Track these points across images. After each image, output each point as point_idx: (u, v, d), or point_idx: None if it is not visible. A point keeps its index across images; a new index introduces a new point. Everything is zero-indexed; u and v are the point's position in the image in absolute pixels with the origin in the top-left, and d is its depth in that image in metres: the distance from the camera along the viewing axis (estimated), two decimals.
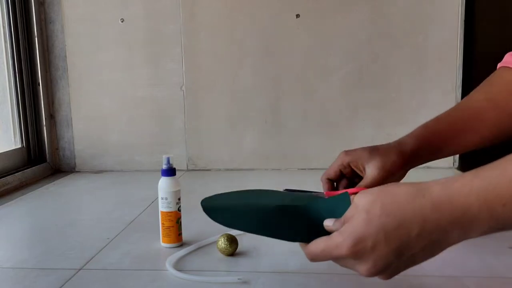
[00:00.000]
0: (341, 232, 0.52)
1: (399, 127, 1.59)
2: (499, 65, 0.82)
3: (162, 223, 0.87)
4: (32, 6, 1.57)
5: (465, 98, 0.82)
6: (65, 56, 1.63)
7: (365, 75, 1.54)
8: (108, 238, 0.95)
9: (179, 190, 0.87)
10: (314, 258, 0.55)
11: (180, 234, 0.88)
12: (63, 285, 0.74)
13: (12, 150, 1.53)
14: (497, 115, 0.77)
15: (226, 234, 0.84)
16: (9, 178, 1.42)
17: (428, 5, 1.50)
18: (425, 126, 0.80)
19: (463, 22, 1.49)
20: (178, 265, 0.80)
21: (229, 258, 0.83)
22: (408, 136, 0.79)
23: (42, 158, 1.64)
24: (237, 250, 0.84)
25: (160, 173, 0.87)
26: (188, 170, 1.64)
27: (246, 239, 0.90)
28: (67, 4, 1.60)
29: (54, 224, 1.08)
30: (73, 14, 1.61)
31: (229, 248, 0.83)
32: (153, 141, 1.64)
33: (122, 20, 1.59)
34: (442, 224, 0.48)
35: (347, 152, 0.80)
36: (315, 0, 1.54)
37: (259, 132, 1.60)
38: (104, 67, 1.62)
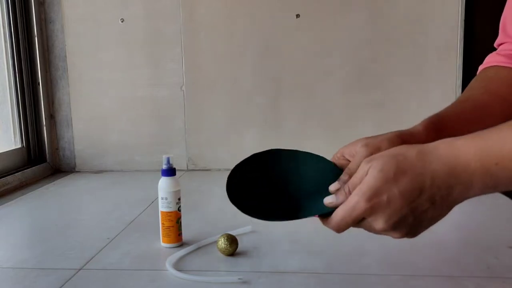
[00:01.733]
0: (356, 193, 0.54)
1: (399, 127, 1.59)
2: (481, 67, 0.81)
3: (162, 223, 0.87)
4: (32, 6, 1.57)
5: (464, 95, 0.80)
6: (65, 56, 1.63)
7: (365, 75, 1.54)
8: (108, 238, 0.95)
9: (179, 190, 0.87)
10: (339, 228, 0.57)
11: (180, 234, 0.88)
12: (63, 285, 0.74)
13: (12, 150, 1.53)
14: (502, 108, 0.76)
15: (226, 234, 0.84)
16: (9, 178, 1.42)
17: (428, 5, 1.50)
18: (437, 116, 0.78)
19: (463, 22, 1.49)
20: (178, 265, 0.80)
21: (229, 258, 0.83)
22: (420, 126, 0.75)
23: (42, 158, 1.64)
24: (237, 250, 0.84)
25: (160, 173, 0.87)
26: (188, 170, 1.64)
27: (246, 239, 0.90)
28: (67, 4, 1.60)
29: (54, 224, 1.08)
30: (73, 14, 1.61)
31: (229, 248, 0.83)
32: (153, 141, 1.64)
33: (122, 20, 1.59)
34: (447, 179, 0.52)
35: (344, 146, 0.74)
36: (315, 0, 1.54)
37: (259, 132, 1.60)
38: (104, 67, 1.62)
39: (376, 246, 0.87)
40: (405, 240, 0.91)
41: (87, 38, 1.61)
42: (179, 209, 0.87)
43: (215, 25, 1.57)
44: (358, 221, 0.56)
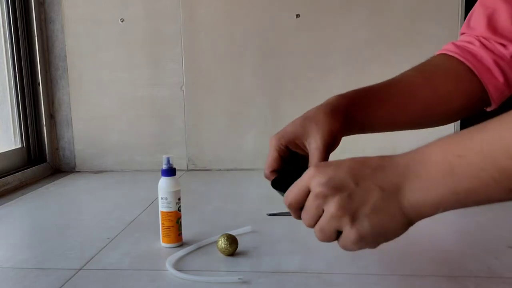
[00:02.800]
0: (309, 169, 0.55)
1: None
2: (436, 52, 0.80)
3: (162, 223, 0.87)
4: (32, 6, 1.57)
5: (398, 75, 0.78)
6: (65, 56, 1.63)
7: (365, 75, 1.54)
8: (108, 238, 0.95)
9: (179, 190, 0.87)
10: (290, 199, 0.56)
11: (180, 234, 0.88)
12: (63, 285, 0.74)
13: (12, 150, 1.53)
14: (429, 95, 0.75)
15: (226, 234, 0.84)
16: (9, 178, 1.42)
17: (428, 5, 1.51)
18: (356, 91, 0.76)
19: (463, 22, 1.49)
20: (178, 265, 0.80)
21: (229, 258, 0.83)
22: (335, 96, 0.75)
23: (42, 158, 1.64)
24: (237, 250, 0.84)
25: (160, 173, 0.87)
26: (188, 170, 1.64)
27: (246, 239, 0.90)
28: (67, 4, 1.60)
29: (54, 224, 1.08)
30: (73, 14, 1.61)
31: (229, 248, 0.83)
32: (153, 141, 1.64)
33: (122, 20, 1.59)
34: (402, 169, 0.49)
35: (277, 136, 0.72)
36: (315, 0, 1.54)
37: (259, 132, 1.60)
38: (104, 67, 1.62)
39: None
40: (405, 240, 0.92)
41: (87, 38, 1.61)
42: (179, 209, 0.87)
43: (215, 25, 1.57)
44: (305, 191, 0.54)
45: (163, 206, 0.87)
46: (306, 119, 0.72)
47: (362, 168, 0.51)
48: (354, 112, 0.72)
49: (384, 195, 0.49)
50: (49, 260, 0.85)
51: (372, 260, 0.81)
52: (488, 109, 0.78)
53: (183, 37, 1.58)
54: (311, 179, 0.53)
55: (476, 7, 0.76)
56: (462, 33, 0.80)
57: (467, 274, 0.75)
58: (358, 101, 0.74)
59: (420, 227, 1.03)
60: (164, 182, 0.86)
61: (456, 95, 0.75)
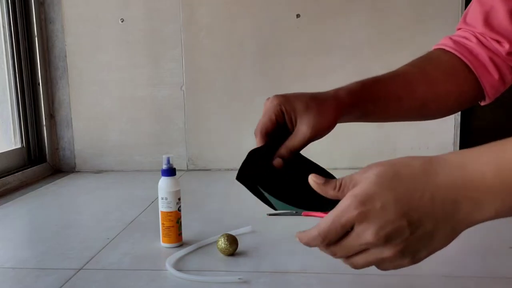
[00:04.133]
0: (349, 195, 0.48)
1: (399, 127, 1.59)
2: (434, 46, 0.80)
3: (162, 223, 0.87)
4: (32, 6, 1.57)
5: (398, 69, 0.79)
6: (65, 56, 1.63)
7: (365, 75, 1.53)
8: (108, 238, 0.95)
9: (179, 190, 0.87)
10: (326, 235, 0.50)
11: (180, 234, 0.88)
12: (63, 285, 0.74)
13: (12, 150, 1.53)
14: (427, 91, 0.75)
15: (226, 234, 0.84)
16: (9, 178, 1.42)
17: (428, 5, 1.50)
18: (361, 83, 0.75)
19: None
20: (178, 265, 0.80)
21: (229, 258, 0.83)
22: (344, 90, 0.73)
23: (42, 158, 1.64)
24: (237, 250, 0.84)
25: (160, 173, 0.87)
26: (188, 170, 1.64)
27: (246, 239, 0.90)
28: (67, 4, 1.60)
29: (54, 224, 1.08)
30: (73, 14, 1.61)
31: (229, 248, 0.83)
32: (153, 141, 1.64)
33: (122, 20, 1.59)
34: (454, 192, 0.45)
35: (281, 99, 0.68)
36: (315, 0, 1.54)
37: None
38: (104, 67, 1.62)
39: None
40: None
41: (87, 38, 1.61)
42: (179, 209, 0.87)
43: (215, 25, 1.57)
44: (347, 231, 0.49)
45: (163, 206, 0.87)
46: (313, 100, 0.69)
47: (411, 200, 0.46)
48: (357, 106, 0.71)
49: (439, 225, 0.47)
50: (49, 260, 0.85)
51: None
52: (482, 104, 0.78)
53: (183, 37, 1.58)
54: (359, 221, 0.47)
55: (473, 4, 0.76)
56: (459, 29, 0.79)
57: (467, 274, 0.75)
58: (364, 97, 0.73)
59: None
60: (164, 182, 0.86)
61: (452, 91, 0.75)
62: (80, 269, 0.80)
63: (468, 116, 1.60)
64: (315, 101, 0.69)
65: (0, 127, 1.55)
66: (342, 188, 0.50)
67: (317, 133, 0.67)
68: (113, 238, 0.95)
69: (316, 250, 0.85)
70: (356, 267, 0.51)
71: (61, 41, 1.62)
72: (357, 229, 0.48)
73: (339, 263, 0.81)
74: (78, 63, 1.63)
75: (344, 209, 0.48)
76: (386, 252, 0.48)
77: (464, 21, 0.78)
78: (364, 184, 0.48)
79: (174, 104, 1.62)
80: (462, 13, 1.49)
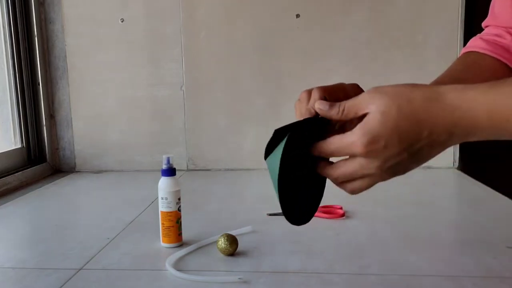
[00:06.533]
0: (355, 132, 0.52)
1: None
2: (463, 50, 0.79)
3: (162, 223, 0.87)
4: (32, 6, 1.57)
5: (435, 81, 0.75)
6: (65, 56, 1.63)
7: (365, 75, 1.54)
8: (108, 238, 0.95)
9: (179, 190, 0.87)
10: (332, 152, 0.55)
11: (180, 234, 0.88)
12: (63, 285, 0.74)
13: (12, 150, 1.53)
14: None
15: (226, 234, 0.84)
16: (9, 178, 1.42)
17: (428, 5, 1.50)
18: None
19: (463, 22, 1.49)
20: (178, 265, 0.80)
21: (229, 258, 0.83)
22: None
23: (42, 158, 1.64)
24: (237, 250, 0.84)
25: (160, 173, 0.87)
26: (188, 170, 1.64)
27: (246, 239, 0.90)
28: (67, 4, 1.60)
29: (54, 224, 1.08)
30: (73, 14, 1.61)
31: (229, 248, 0.83)
32: (153, 141, 1.64)
33: (122, 20, 1.59)
34: (450, 128, 0.50)
35: (321, 88, 0.65)
36: (315, 0, 1.54)
37: (259, 132, 1.60)
38: (104, 67, 1.62)
39: (376, 246, 0.87)
40: (405, 240, 0.91)
41: (87, 38, 1.61)
42: (179, 209, 0.87)
43: (215, 25, 1.57)
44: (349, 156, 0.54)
45: (163, 206, 0.87)
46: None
47: (412, 137, 0.51)
48: None
49: (433, 150, 0.53)
50: (49, 260, 0.85)
51: (373, 260, 0.81)
52: None
53: (183, 37, 1.58)
54: (363, 156, 0.52)
55: None
56: (486, 26, 0.77)
57: (466, 274, 0.75)
58: None
59: (420, 227, 1.04)
60: (164, 182, 0.86)
61: None
62: (80, 269, 0.80)
63: None
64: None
65: (0, 127, 1.55)
66: (345, 113, 0.54)
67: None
68: (113, 238, 0.95)
69: (316, 250, 0.86)
70: (353, 191, 0.56)
71: (61, 41, 1.62)
72: (362, 161, 0.53)
73: (339, 263, 0.81)
74: (78, 63, 1.63)
75: (349, 144, 0.52)
76: (385, 176, 0.54)
77: (493, 15, 0.75)
78: (369, 122, 0.51)
79: (174, 104, 1.62)
80: (462, 13, 1.49)
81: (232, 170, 1.62)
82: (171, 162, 0.87)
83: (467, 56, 0.77)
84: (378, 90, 0.53)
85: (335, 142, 0.54)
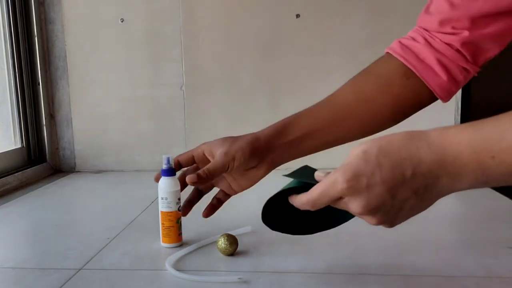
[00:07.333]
0: (337, 169, 0.53)
1: (397, 127, 1.59)
2: (386, 49, 0.83)
3: (162, 223, 0.87)
4: (32, 6, 1.57)
5: (334, 93, 0.83)
6: (65, 56, 1.63)
7: None
8: (108, 238, 0.95)
9: (179, 190, 0.87)
10: (314, 204, 0.56)
11: (180, 234, 0.88)
12: (63, 285, 0.74)
13: (12, 150, 1.53)
14: (367, 110, 0.78)
15: (226, 234, 0.84)
16: (9, 178, 1.42)
17: None
18: (284, 119, 0.81)
19: None
20: (178, 265, 0.80)
21: (229, 258, 0.83)
22: (267, 129, 0.81)
23: (42, 158, 1.64)
24: (237, 250, 0.84)
25: (160, 173, 0.87)
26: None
27: (246, 239, 0.90)
28: (67, 4, 1.60)
29: (54, 224, 1.08)
30: (73, 14, 1.61)
31: (229, 248, 0.83)
32: (153, 141, 1.64)
33: (122, 20, 1.59)
34: (434, 168, 0.49)
35: (206, 143, 0.82)
36: (315, 0, 1.54)
37: None
38: (104, 67, 1.62)
39: (376, 246, 0.87)
40: (405, 240, 0.91)
41: (87, 38, 1.61)
42: (179, 209, 0.87)
43: (215, 25, 1.57)
44: (335, 200, 0.54)
45: (163, 206, 0.87)
46: (231, 138, 0.82)
47: (394, 176, 0.50)
48: (277, 140, 0.78)
49: (419, 198, 0.51)
50: (49, 260, 0.85)
51: (372, 260, 0.81)
52: (443, 102, 0.79)
53: (183, 37, 1.58)
54: (346, 195, 0.53)
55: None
56: (417, 23, 0.81)
57: (466, 274, 0.75)
58: (284, 133, 0.79)
59: (420, 227, 1.03)
60: (163, 182, 0.86)
61: (393, 102, 0.77)
62: (80, 269, 0.80)
63: (468, 115, 1.60)
64: (232, 138, 0.81)
65: (0, 127, 1.55)
66: None
67: (228, 159, 0.75)
68: (113, 238, 0.95)
69: (316, 250, 0.85)
70: None
71: (61, 41, 1.62)
72: (345, 200, 0.53)
73: (339, 263, 0.81)
74: (78, 63, 1.63)
75: (333, 182, 0.53)
76: (369, 220, 0.54)
77: (426, 11, 0.78)
78: (352, 160, 0.52)
79: (174, 104, 1.62)
80: None
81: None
82: (171, 162, 0.87)
83: (379, 61, 0.82)
84: (360, 144, 0.55)
85: (318, 186, 0.55)
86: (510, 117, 0.48)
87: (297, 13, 1.54)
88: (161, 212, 0.87)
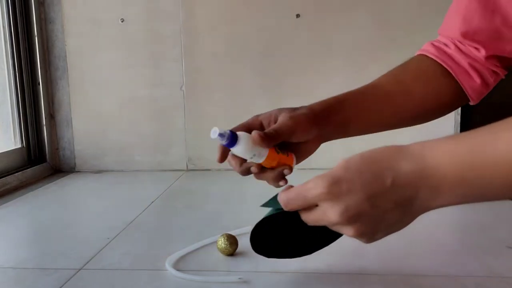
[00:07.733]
0: (318, 175, 0.53)
1: (398, 130, 1.59)
2: (417, 52, 0.84)
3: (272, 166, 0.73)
4: (32, 6, 1.57)
5: (375, 80, 0.82)
6: (65, 56, 1.63)
7: (365, 75, 1.53)
8: (108, 238, 0.95)
9: (252, 147, 0.72)
10: (288, 203, 0.56)
11: (287, 155, 0.74)
12: (63, 285, 0.74)
13: (12, 150, 1.53)
14: (405, 102, 0.78)
15: (226, 234, 0.84)
16: (9, 178, 1.42)
17: (428, 5, 1.50)
18: (333, 97, 0.79)
19: None
20: (178, 265, 0.80)
21: (229, 258, 0.83)
22: (317, 105, 0.75)
23: (42, 158, 1.64)
24: (237, 250, 0.84)
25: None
26: (188, 170, 1.64)
27: (246, 239, 0.90)
28: (67, 4, 1.60)
29: (54, 224, 1.08)
30: (73, 14, 1.61)
31: (229, 248, 0.83)
32: (153, 141, 1.64)
33: (122, 20, 1.59)
34: (414, 180, 0.49)
35: (257, 115, 0.79)
36: (315, 0, 1.54)
37: None
38: (104, 67, 1.62)
39: (376, 246, 0.87)
40: (405, 240, 0.91)
41: (87, 38, 1.61)
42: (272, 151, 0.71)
43: (215, 25, 1.57)
44: (312, 206, 0.54)
45: (259, 160, 0.72)
46: (286, 109, 0.74)
47: (375, 185, 0.50)
48: (332, 114, 0.74)
49: (399, 210, 0.51)
50: (49, 260, 0.85)
51: (372, 260, 0.81)
52: (471, 103, 0.80)
53: (183, 37, 1.58)
54: (324, 202, 0.52)
55: (453, 6, 0.79)
56: (440, 33, 0.82)
57: (466, 274, 0.75)
58: (336, 106, 0.76)
59: (420, 227, 1.03)
60: (237, 151, 0.73)
61: (430, 97, 0.78)
62: (80, 269, 0.80)
63: (468, 116, 1.60)
64: (288, 108, 0.74)
65: (0, 127, 1.55)
66: None
67: (294, 122, 0.69)
68: (113, 238, 0.95)
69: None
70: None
71: (61, 41, 1.62)
72: (323, 206, 0.52)
73: (339, 263, 0.81)
74: (78, 63, 1.63)
75: (312, 186, 0.52)
76: (347, 230, 0.53)
77: (443, 25, 0.81)
78: (334, 168, 0.52)
79: (174, 104, 1.62)
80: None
81: (232, 170, 1.62)
82: (224, 131, 0.72)
83: (415, 58, 0.83)
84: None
85: (296, 188, 0.55)
86: (492, 129, 0.47)
87: (297, 13, 1.54)
88: (261, 163, 0.73)
